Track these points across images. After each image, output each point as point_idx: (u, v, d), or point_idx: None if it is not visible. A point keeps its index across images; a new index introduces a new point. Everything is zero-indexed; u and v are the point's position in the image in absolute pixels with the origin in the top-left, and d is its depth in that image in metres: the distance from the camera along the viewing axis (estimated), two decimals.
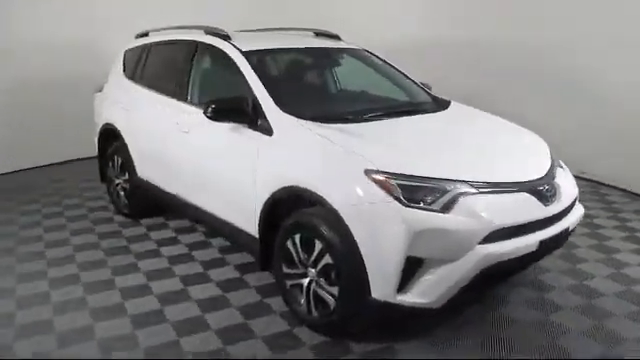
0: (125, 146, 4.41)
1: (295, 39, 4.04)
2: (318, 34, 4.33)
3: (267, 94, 3.12)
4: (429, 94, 3.85)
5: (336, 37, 4.29)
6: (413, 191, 2.44)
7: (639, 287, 3.40)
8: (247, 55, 3.39)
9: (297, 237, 2.84)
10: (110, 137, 4.69)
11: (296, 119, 2.97)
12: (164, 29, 4.48)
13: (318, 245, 2.72)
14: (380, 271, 2.46)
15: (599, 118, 5.27)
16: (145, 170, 4.25)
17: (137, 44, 4.63)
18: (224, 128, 3.22)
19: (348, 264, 2.57)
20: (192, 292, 3.37)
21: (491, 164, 2.76)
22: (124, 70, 4.65)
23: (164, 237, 4.28)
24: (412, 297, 2.47)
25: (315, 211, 2.74)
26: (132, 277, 3.58)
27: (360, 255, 2.49)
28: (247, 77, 3.24)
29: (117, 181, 4.70)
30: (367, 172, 2.51)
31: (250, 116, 3.09)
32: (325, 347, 2.78)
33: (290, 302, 3.00)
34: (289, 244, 2.89)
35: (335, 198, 2.57)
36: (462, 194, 2.45)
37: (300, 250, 2.84)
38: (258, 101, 3.11)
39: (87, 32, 6.48)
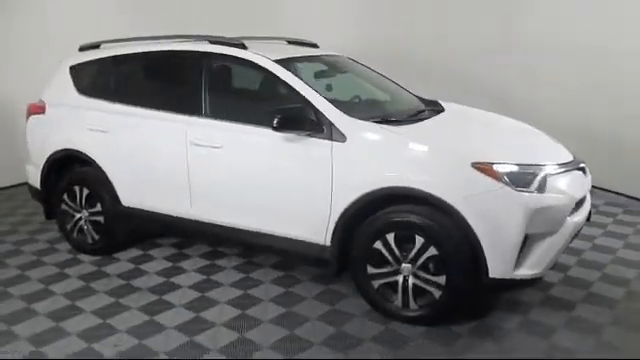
0: (99, 173, 3.88)
1: (298, 49, 4.05)
2: (291, 42, 4.37)
3: (326, 101, 3.14)
4: (416, 96, 4.20)
5: (314, 45, 4.39)
6: (516, 177, 2.75)
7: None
8: (282, 64, 3.33)
9: (390, 236, 2.93)
10: (67, 165, 4.06)
11: (365, 122, 3.06)
12: (120, 40, 4.06)
13: (419, 240, 2.86)
14: (499, 252, 2.73)
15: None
16: (136, 197, 3.81)
17: (91, 58, 4.09)
18: (275, 139, 3.14)
19: (462, 252, 2.77)
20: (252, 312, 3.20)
21: (542, 150, 3.21)
22: (77, 88, 4.06)
23: (160, 268, 3.89)
24: (525, 270, 2.79)
25: (414, 208, 2.87)
26: (171, 314, 3.23)
27: (478, 241, 2.72)
28: (296, 86, 3.20)
29: (79, 215, 4.09)
30: (474, 164, 2.75)
31: (314, 125, 3.07)
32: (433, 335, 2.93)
33: (379, 301, 3.07)
34: (379, 245, 2.97)
35: (446, 193, 2.76)
36: (548, 175, 2.84)
37: (395, 248, 2.94)
38: (317, 108, 3.11)
39: None
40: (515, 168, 2.78)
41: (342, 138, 3.02)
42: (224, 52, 3.50)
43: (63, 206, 4.14)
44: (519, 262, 2.78)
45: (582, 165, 3.21)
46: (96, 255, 4.10)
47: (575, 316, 3.11)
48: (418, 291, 2.95)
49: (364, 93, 3.85)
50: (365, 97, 3.80)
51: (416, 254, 2.89)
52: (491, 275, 2.76)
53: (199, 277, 3.71)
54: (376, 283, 3.05)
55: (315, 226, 3.14)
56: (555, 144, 3.37)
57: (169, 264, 3.95)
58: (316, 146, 3.07)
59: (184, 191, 3.55)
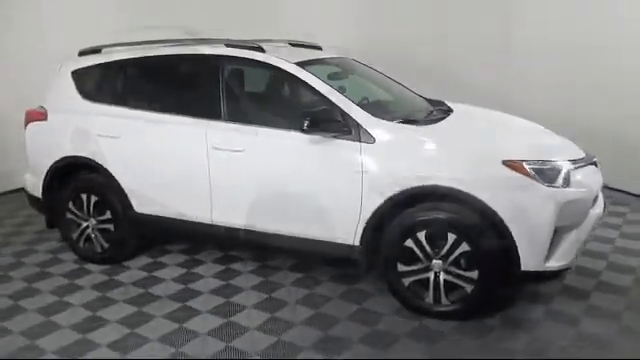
0: (110, 180, 3.79)
1: (304, 51, 4.07)
2: (294, 45, 4.39)
3: (351, 102, 3.18)
4: (424, 98, 4.28)
5: (318, 48, 4.42)
6: (544, 173, 2.88)
7: None
8: (302, 66, 3.35)
9: (422, 234, 3.00)
10: (72, 173, 3.95)
11: (391, 123, 3.12)
12: (123, 44, 3.99)
13: (451, 237, 2.95)
14: (531, 245, 2.84)
15: None
16: (151, 203, 3.74)
17: (95, 62, 3.99)
18: (301, 142, 3.16)
19: (495, 247, 2.87)
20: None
21: (558, 147, 3.35)
22: (81, 93, 3.95)
23: (178, 274, 3.84)
24: (555, 262, 2.91)
25: (444, 206, 2.95)
26: (200, 321, 3.20)
27: (511, 236, 2.83)
28: (320, 89, 3.23)
29: (86, 224, 3.98)
30: (505, 162, 2.85)
31: (343, 126, 3.11)
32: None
33: (410, 299, 3.14)
34: (410, 243, 3.04)
35: (479, 190, 2.84)
36: (570, 170, 2.98)
37: (426, 245, 3.01)
38: (343, 110, 3.15)
39: None
40: (542, 164, 2.90)
41: (370, 139, 3.07)
42: (242, 55, 3.48)
43: (68, 215, 4.02)
44: (549, 254, 2.90)
45: (595, 160, 3.37)
46: (105, 264, 4.00)
47: (592, 304, 3.26)
48: (449, 287, 3.03)
49: (371, 94, 3.91)
50: (373, 98, 3.86)
51: (448, 251, 2.97)
52: (523, 268, 2.87)
53: (218, 282, 3.68)
54: (407, 281, 3.12)
55: (345, 227, 3.18)
56: (565, 141, 3.53)
57: (183, 270, 3.89)
58: (345, 148, 3.10)
59: (204, 196, 3.51)
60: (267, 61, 3.41)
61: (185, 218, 3.65)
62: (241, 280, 3.71)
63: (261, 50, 3.48)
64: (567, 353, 2.78)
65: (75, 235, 4.03)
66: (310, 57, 3.75)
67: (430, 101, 4.14)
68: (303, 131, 3.03)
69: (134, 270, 3.92)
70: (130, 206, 3.79)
